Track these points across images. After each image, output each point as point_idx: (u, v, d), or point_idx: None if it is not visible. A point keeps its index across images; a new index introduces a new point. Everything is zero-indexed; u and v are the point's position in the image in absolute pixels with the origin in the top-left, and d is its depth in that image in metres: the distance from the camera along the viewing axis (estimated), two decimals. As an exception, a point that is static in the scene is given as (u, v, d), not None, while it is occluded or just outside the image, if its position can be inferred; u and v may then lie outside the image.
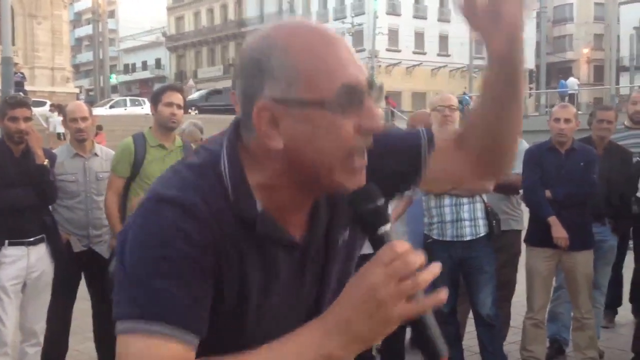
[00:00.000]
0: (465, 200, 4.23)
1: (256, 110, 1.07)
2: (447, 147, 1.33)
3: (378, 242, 1.05)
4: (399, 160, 1.29)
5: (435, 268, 1.03)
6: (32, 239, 3.96)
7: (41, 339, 4.06)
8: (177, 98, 4.14)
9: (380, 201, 1.07)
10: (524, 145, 4.97)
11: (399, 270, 0.99)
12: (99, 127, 15.54)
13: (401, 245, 1.00)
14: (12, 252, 3.92)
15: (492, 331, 4.34)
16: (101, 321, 4.48)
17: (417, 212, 4.63)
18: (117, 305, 1.06)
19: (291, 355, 1.02)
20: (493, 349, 4.35)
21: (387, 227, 1.05)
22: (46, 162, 3.96)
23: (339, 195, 1.14)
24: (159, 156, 4.03)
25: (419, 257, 1.01)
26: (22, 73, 26.83)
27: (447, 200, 4.25)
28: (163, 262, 1.03)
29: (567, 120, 4.42)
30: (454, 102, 4.56)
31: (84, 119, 4.36)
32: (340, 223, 1.22)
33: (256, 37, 1.13)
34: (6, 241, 3.91)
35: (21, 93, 20.30)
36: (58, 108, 20.98)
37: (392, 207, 4.52)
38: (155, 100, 4.16)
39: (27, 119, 3.97)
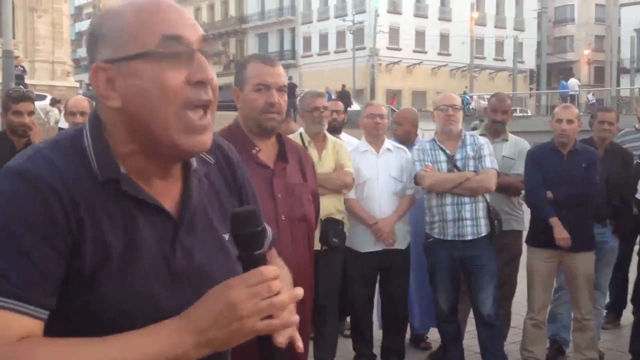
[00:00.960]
0: (467, 199, 4.23)
1: (91, 73, 1.15)
2: None
3: (250, 262, 1.10)
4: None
5: (299, 292, 1.13)
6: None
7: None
8: None
9: (261, 226, 1.12)
10: (525, 145, 4.98)
11: (261, 293, 1.06)
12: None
13: (268, 272, 1.08)
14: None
15: (493, 331, 4.34)
16: None
17: (418, 211, 4.64)
18: None
19: (143, 347, 1.06)
20: (493, 349, 4.35)
21: (261, 251, 1.11)
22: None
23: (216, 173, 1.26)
24: None
25: (279, 285, 1.08)
26: (22, 66, 26.78)
27: (448, 199, 4.25)
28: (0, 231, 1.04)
29: (569, 121, 4.42)
30: (458, 101, 4.54)
31: (83, 113, 4.36)
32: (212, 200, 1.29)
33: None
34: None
35: (22, 86, 20.25)
36: (57, 103, 20.96)
37: (395, 206, 4.52)
38: None
39: (31, 113, 3.97)
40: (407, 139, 5.11)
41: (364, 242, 4.49)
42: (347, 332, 5.21)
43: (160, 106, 1.12)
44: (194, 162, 1.25)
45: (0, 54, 15.80)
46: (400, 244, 4.52)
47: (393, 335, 4.68)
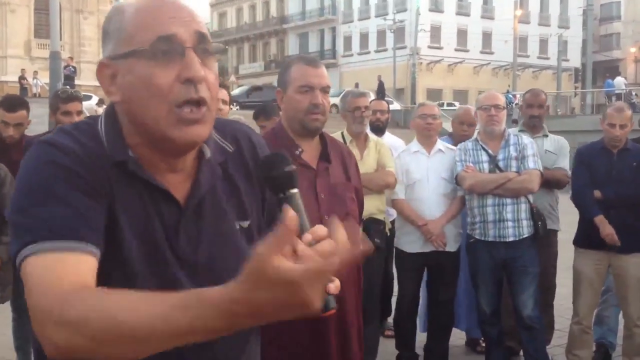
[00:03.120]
0: (508, 200, 4.17)
1: (97, 68, 1.21)
2: None
3: (284, 201, 1.07)
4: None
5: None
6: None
7: None
8: (222, 94, 4.13)
9: (291, 167, 1.10)
10: (564, 142, 4.90)
11: (325, 272, 0.93)
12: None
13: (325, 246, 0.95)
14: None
15: (534, 333, 4.27)
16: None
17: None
18: (11, 243, 1.14)
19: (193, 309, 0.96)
20: (535, 352, 4.29)
21: (294, 190, 1.08)
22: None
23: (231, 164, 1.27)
24: None
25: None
26: (73, 67, 27.36)
27: (490, 200, 4.19)
28: (40, 188, 1.13)
29: (622, 126, 4.31)
30: (501, 100, 4.44)
31: None
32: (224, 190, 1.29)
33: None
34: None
35: (68, 87, 20.70)
36: (104, 104, 21.42)
37: (445, 208, 4.46)
38: None
39: (79, 112, 4.05)
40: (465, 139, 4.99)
41: (412, 243, 4.45)
42: (389, 333, 5.19)
43: (150, 103, 1.16)
44: (207, 151, 1.27)
45: (48, 54, 16.15)
46: (451, 247, 4.46)
47: (437, 338, 4.64)
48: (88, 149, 1.18)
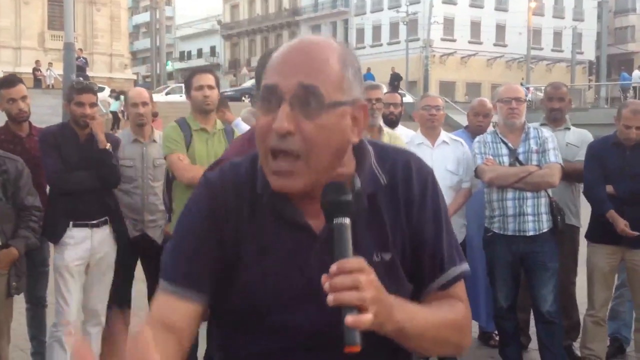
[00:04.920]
0: (529, 194, 4.12)
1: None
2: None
3: (332, 230, 1.16)
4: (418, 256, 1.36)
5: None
6: (95, 221, 4.04)
7: (103, 320, 4.15)
8: (207, 79, 4.06)
9: (345, 197, 1.19)
10: (587, 134, 4.85)
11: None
12: (155, 114, 15.82)
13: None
14: (76, 233, 4.00)
15: (553, 328, 4.23)
16: None
17: (477, 205, 4.56)
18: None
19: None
20: (553, 347, 4.25)
21: (343, 220, 1.16)
22: (108, 146, 4.03)
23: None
24: (202, 139, 4.03)
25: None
26: (84, 58, 27.49)
27: (510, 194, 4.15)
28: (179, 231, 1.35)
29: (638, 128, 4.26)
30: (521, 93, 4.38)
31: (144, 104, 4.42)
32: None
33: None
34: (70, 223, 4.00)
35: (81, 78, 20.82)
36: (120, 94, 21.54)
37: (450, 200, 4.44)
38: (187, 87, 4.12)
39: (93, 104, 4.05)
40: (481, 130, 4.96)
41: None
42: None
43: (258, 146, 1.26)
44: (358, 182, 1.30)
45: (62, 46, 16.22)
46: None
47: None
48: (229, 181, 1.33)
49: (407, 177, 1.36)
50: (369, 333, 1.13)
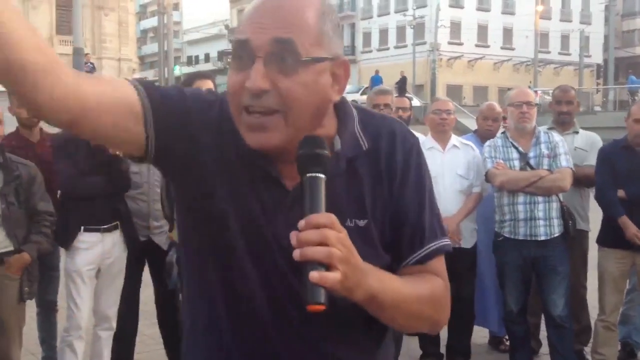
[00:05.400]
0: (540, 199, 4.12)
1: None
2: None
3: (304, 184, 1.09)
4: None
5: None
6: (106, 226, 4.06)
7: (114, 324, 4.17)
8: (207, 84, 4.03)
9: (322, 151, 1.11)
10: (596, 138, 4.84)
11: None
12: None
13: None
14: (88, 238, 4.01)
15: (563, 332, 4.23)
16: (163, 306, 4.60)
17: (487, 210, 4.55)
18: None
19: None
20: (564, 351, 4.24)
21: (317, 174, 1.09)
22: (119, 152, 4.04)
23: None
24: None
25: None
26: (92, 63, 27.61)
27: (521, 198, 4.14)
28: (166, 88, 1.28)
29: None
30: (532, 97, 4.38)
31: None
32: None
33: None
34: (82, 227, 4.01)
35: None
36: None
37: (461, 204, 4.44)
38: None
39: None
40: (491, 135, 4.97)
41: None
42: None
43: (230, 101, 1.21)
44: (338, 143, 1.24)
45: (70, 50, 16.31)
46: (467, 243, 4.45)
47: (459, 335, 4.62)
48: (221, 115, 1.25)
49: (391, 144, 1.29)
50: (341, 302, 1.09)
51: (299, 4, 1.17)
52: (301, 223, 1.04)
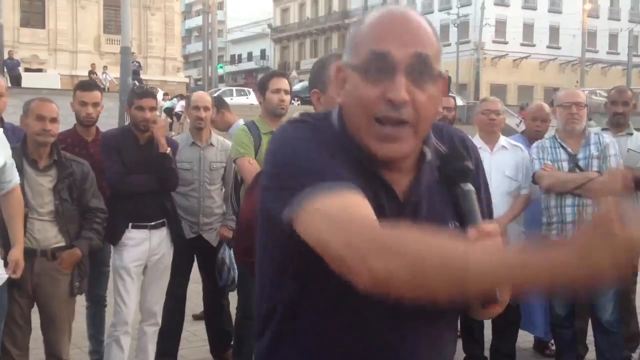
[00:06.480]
0: (589, 201, 4.04)
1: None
2: None
3: (459, 196, 1.23)
4: None
5: None
6: (153, 223, 4.12)
7: (159, 320, 4.23)
8: (284, 84, 4.10)
9: (469, 164, 1.27)
10: None
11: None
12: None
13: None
14: (135, 235, 4.08)
15: (612, 338, 4.13)
16: (211, 303, 4.65)
17: (534, 212, 4.47)
18: (281, 205, 1.17)
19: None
20: (611, 357, 4.15)
21: (468, 186, 1.24)
22: (168, 150, 4.10)
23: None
24: None
25: None
26: (138, 62, 28.06)
27: (569, 201, 4.06)
28: (299, 158, 1.22)
29: None
30: (582, 98, 4.29)
31: (206, 108, 4.51)
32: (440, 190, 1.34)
33: None
34: (129, 224, 4.08)
35: (136, 82, 21.28)
36: (184, 98, 22.02)
37: (508, 206, 4.38)
38: (262, 88, 4.10)
39: (152, 108, 4.13)
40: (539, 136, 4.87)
41: None
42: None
43: (354, 112, 1.24)
44: (429, 153, 1.31)
45: (117, 49, 16.60)
46: None
47: (503, 338, 4.56)
48: (324, 134, 1.27)
49: (466, 148, 1.39)
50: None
51: (426, 23, 1.26)
52: (472, 232, 1.12)
